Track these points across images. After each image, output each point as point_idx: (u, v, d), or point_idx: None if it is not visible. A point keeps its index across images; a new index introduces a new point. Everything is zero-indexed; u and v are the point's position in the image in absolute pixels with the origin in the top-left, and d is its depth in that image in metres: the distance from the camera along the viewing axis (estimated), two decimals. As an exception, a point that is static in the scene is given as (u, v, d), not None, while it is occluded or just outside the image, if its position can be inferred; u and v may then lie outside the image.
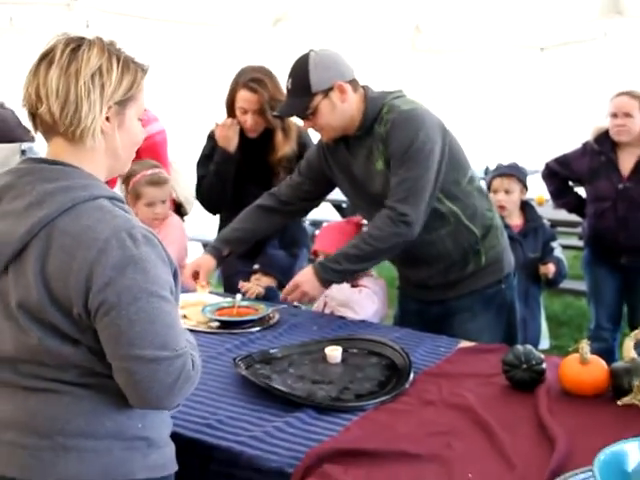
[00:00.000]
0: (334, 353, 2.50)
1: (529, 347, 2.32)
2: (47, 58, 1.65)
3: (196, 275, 3.04)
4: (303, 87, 2.73)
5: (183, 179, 3.95)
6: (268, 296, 3.42)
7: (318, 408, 2.17)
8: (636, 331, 2.31)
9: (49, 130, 1.69)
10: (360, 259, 2.78)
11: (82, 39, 1.68)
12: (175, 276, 1.75)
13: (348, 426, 2.08)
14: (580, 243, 7.35)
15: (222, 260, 3.08)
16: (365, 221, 3.22)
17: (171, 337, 1.64)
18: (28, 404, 1.70)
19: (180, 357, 1.66)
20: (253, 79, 3.39)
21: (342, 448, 1.92)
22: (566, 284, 5.79)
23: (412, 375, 2.36)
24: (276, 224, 3.18)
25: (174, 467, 1.83)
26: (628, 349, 2.27)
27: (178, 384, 1.66)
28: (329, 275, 2.80)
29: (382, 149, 2.78)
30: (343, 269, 2.79)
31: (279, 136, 3.45)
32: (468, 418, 2.11)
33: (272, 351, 2.56)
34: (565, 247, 4.46)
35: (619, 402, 2.06)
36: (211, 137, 3.65)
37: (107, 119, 1.69)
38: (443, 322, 3.00)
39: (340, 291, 3.19)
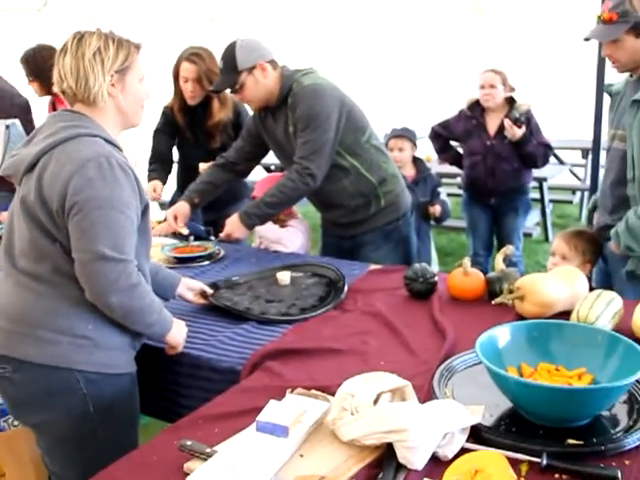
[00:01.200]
0: (284, 277, 2.52)
1: (424, 265, 2.37)
2: (63, 49, 1.82)
3: (176, 218, 3.04)
4: (231, 66, 2.75)
5: (126, 146, 3.87)
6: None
7: (269, 321, 2.19)
8: (503, 249, 2.39)
9: (73, 100, 1.85)
10: (275, 205, 2.84)
11: (86, 31, 1.83)
12: (145, 210, 1.84)
13: (285, 332, 2.10)
14: (460, 192, 7.50)
15: (194, 206, 3.08)
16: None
17: (121, 244, 1.74)
18: (11, 295, 1.82)
19: (124, 262, 1.74)
20: (193, 53, 3.44)
21: (280, 348, 1.95)
22: (450, 223, 5.92)
23: (346, 289, 2.39)
24: (229, 180, 3.17)
25: (126, 369, 1.88)
26: (498, 263, 2.34)
27: (118, 285, 1.73)
28: (252, 220, 2.86)
29: (292, 116, 2.82)
30: (263, 213, 2.85)
31: (215, 104, 3.47)
32: (379, 322, 2.15)
33: (234, 278, 2.56)
34: (448, 194, 4.55)
35: (493, 302, 2.12)
36: (164, 113, 3.64)
37: (112, 85, 1.82)
38: (355, 252, 3.04)
39: (272, 231, 3.24)
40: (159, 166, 3.66)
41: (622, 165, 2.52)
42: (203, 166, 3.48)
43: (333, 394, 1.56)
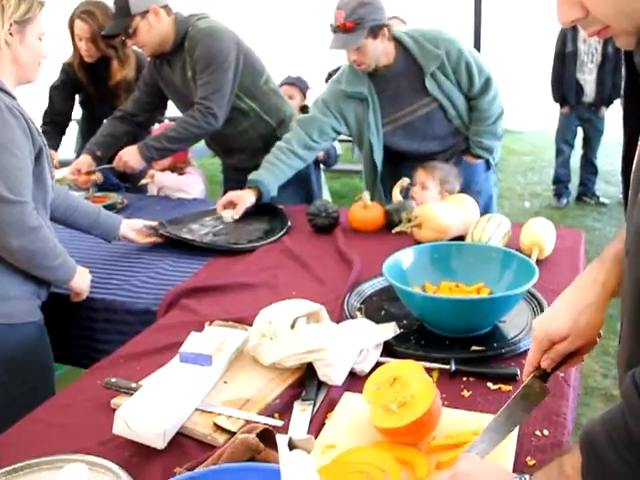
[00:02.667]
0: (227, 215, 2.51)
1: (326, 200, 2.39)
2: None
3: (79, 172, 2.89)
4: (124, 10, 2.64)
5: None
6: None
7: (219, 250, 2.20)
8: (400, 181, 2.43)
9: None
10: (176, 140, 2.76)
11: None
12: (40, 154, 1.75)
13: (196, 272, 2.08)
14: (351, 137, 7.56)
15: (97, 159, 2.93)
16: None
17: (17, 186, 1.67)
18: None
19: (21, 204, 1.67)
20: (85, 11, 3.19)
21: (194, 286, 1.92)
22: (342, 166, 5.99)
23: (289, 223, 2.41)
24: (130, 131, 3.04)
25: (28, 318, 1.79)
26: (396, 195, 2.39)
27: (17, 227, 1.67)
28: (150, 152, 2.77)
29: (189, 60, 2.75)
30: (162, 147, 2.77)
31: (114, 64, 3.28)
32: (286, 256, 2.17)
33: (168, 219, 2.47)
34: (340, 141, 4.54)
35: (393, 231, 2.17)
36: (63, 69, 3.42)
37: (10, 34, 1.70)
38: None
39: (172, 180, 3.17)
40: (52, 128, 3.42)
41: None
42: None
43: (250, 324, 1.56)
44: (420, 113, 2.63)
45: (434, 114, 2.64)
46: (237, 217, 2.51)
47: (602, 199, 5.98)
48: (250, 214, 2.53)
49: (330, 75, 4.60)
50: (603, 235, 5.17)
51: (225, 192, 3.19)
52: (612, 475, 0.76)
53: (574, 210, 5.90)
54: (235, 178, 3.13)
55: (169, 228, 2.36)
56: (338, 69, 2.86)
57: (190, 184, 3.18)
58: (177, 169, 3.19)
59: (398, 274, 1.60)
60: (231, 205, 2.57)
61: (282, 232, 2.35)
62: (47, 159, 1.80)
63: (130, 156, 2.77)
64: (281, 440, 0.69)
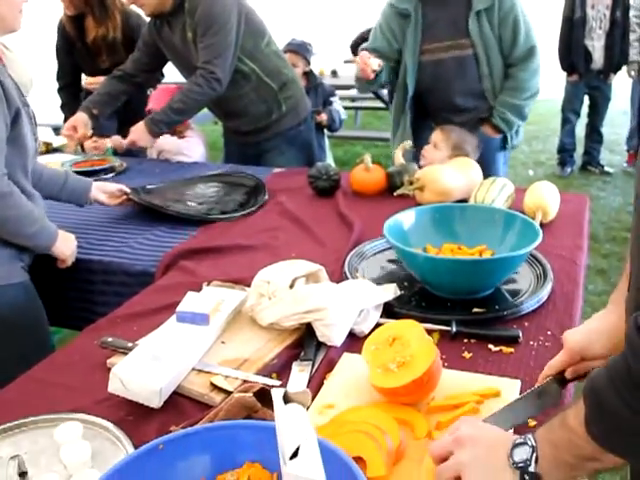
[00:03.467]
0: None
1: (327, 163, 2.35)
2: None
3: (75, 129, 2.83)
4: None
5: (18, 65, 3.57)
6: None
7: (188, 220, 2.13)
8: (402, 144, 2.39)
9: None
10: (183, 111, 2.72)
11: None
12: (17, 117, 1.69)
13: (195, 235, 2.05)
14: (354, 104, 7.51)
15: (94, 117, 2.86)
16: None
17: None
18: None
19: None
20: None
21: (192, 248, 1.90)
22: (345, 133, 5.95)
23: (267, 194, 2.33)
24: (127, 91, 2.98)
25: (10, 280, 1.75)
26: (398, 158, 2.35)
27: None
28: (158, 127, 2.72)
29: (190, 22, 2.68)
30: (170, 120, 2.72)
31: (89, 20, 3.21)
32: (286, 219, 2.14)
33: (149, 186, 2.40)
34: (345, 108, 4.48)
35: (395, 194, 2.13)
36: (58, 27, 3.36)
37: None
38: (259, 159, 2.98)
39: (172, 143, 3.11)
40: (67, 96, 3.36)
41: None
42: (87, 80, 3.27)
43: (249, 285, 1.53)
44: (454, 54, 2.64)
45: (467, 61, 2.63)
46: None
47: (607, 168, 5.92)
48: (231, 184, 2.47)
49: (357, 43, 4.51)
50: (607, 204, 5.13)
51: (227, 157, 3.16)
52: (615, 420, 0.74)
53: (578, 179, 5.85)
54: (236, 141, 3.10)
55: (143, 195, 2.28)
56: (366, 37, 2.86)
57: (190, 148, 3.13)
58: (177, 133, 3.14)
59: (399, 236, 1.57)
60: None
61: (256, 205, 2.26)
62: (29, 122, 1.75)
63: (139, 135, 2.72)
64: (276, 394, 0.67)
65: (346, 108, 6.97)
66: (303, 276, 1.49)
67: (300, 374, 1.27)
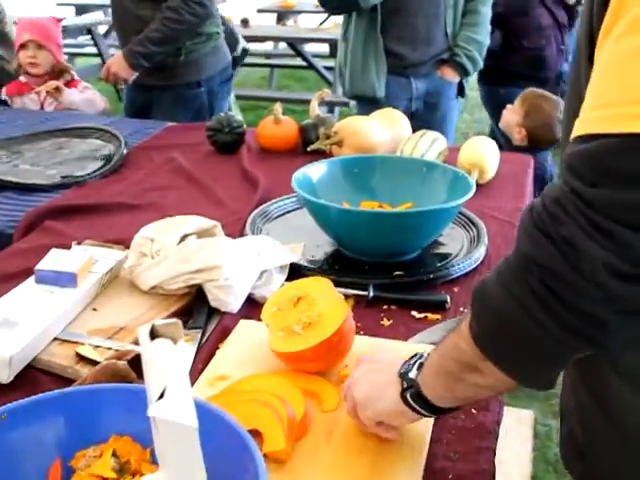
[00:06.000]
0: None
1: (230, 113, 2.32)
2: None
3: None
4: None
5: None
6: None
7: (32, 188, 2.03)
8: (319, 92, 2.38)
9: None
10: (161, 41, 2.77)
11: None
12: None
13: (64, 193, 1.98)
14: (270, 61, 7.47)
15: None
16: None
17: None
18: None
19: None
20: None
21: (60, 205, 1.84)
22: (258, 93, 5.92)
23: (125, 149, 2.27)
24: None
25: None
26: (313, 109, 2.34)
27: None
28: (137, 59, 2.79)
29: None
30: (148, 51, 2.78)
31: None
32: (180, 177, 2.10)
33: None
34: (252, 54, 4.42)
35: (308, 149, 2.11)
36: None
37: None
38: (149, 111, 2.99)
39: (71, 94, 3.01)
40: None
41: None
42: None
43: (129, 247, 1.49)
44: None
45: None
46: None
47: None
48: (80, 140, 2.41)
49: None
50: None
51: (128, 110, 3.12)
52: (495, 315, 0.76)
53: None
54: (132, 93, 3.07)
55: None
56: None
57: (96, 101, 3.09)
58: (58, 74, 3.03)
59: (309, 191, 1.55)
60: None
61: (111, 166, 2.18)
62: None
63: (119, 67, 2.79)
64: (141, 330, 0.64)
65: (259, 66, 6.97)
66: (194, 233, 1.46)
67: (186, 344, 1.23)
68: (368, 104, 2.76)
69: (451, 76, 2.89)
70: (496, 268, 0.78)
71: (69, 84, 3.07)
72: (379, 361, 0.99)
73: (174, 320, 0.65)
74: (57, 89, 2.97)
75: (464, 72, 2.90)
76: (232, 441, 0.81)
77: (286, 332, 1.13)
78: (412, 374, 0.90)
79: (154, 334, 0.65)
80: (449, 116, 2.98)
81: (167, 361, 0.64)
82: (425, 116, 2.91)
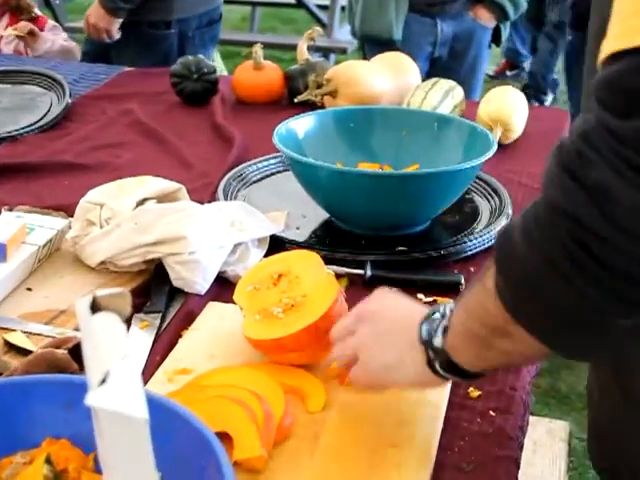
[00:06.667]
0: None
1: (200, 56, 2.30)
2: None
3: None
4: None
5: None
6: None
7: None
8: (308, 32, 2.37)
9: None
10: None
11: None
12: None
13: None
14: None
15: None
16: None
17: None
18: None
19: None
20: None
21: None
22: (240, 37, 5.93)
23: (70, 98, 2.26)
24: None
25: None
26: (301, 52, 2.33)
27: None
28: (113, 2, 2.88)
29: None
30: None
31: None
32: (137, 132, 2.11)
33: None
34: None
35: (295, 100, 2.11)
36: None
37: None
38: (106, 57, 3.03)
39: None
40: None
41: None
42: None
43: (72, 215, 1.48)
44: None
45: None
46: None
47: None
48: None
49: None
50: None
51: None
52: (522, 271, 0.77)
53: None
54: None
55: None
56: None
57: (72, 49, 3.09)
58: (16, 9, 3.01)
59: (294, 149, 1.54)
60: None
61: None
62: None
63: (98, 17, 2.90)
64: (81, 302, 0.63)
65: (239, 3, 6.95)
66: (153, 197, 1.45)
67: (142, 331, 1.24)
68: (381, 48, 2.71)
69: (486, 19, 2.86)
70: (522, 212, 0.78)
71: (34, 23, 3.00)
72: (381, 316, 1.00)
73: (120, 290, 0.63)
74: (32, 33, 2.91)
75: (503, 15, 2.86)
76: (193, 444, 0.80)
77: (263, 316, 1.13)
78: (437, 341, 0.91)
79: (96, 307, 0.63)
80: (478, 67, 2.95)
81: (111, 340, 0.62)
82: (449, 64, 2.90)
